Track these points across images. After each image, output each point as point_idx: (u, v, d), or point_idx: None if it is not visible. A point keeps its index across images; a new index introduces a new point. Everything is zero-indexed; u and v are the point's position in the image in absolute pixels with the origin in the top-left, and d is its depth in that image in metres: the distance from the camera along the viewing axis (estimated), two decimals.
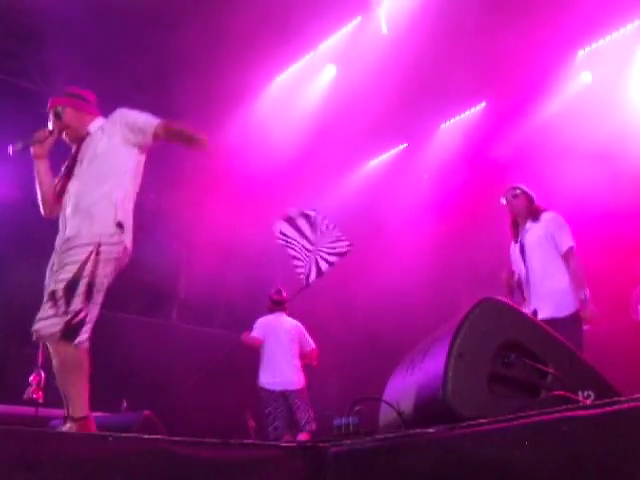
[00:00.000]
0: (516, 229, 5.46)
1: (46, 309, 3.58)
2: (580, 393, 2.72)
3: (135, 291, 9.50)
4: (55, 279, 3.60)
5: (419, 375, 3.06)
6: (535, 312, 5.01)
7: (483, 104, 9.48)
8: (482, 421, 2.25)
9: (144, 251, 9.47)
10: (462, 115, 9.75)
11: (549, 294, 5.07)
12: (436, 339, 3.06)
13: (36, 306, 8.07)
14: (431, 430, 2.40)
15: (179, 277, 10.38)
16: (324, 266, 8.33)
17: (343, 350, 9.00)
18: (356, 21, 8.65)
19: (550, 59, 8.23)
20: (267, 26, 7.88)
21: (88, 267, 3.60)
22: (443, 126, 10.00)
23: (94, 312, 3.65)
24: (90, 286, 3.59)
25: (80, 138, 4.12)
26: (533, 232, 5.29)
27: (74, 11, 7.41)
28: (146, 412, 6.33)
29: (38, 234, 8.36)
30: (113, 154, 4.00)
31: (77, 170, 3.98)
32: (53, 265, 3.75)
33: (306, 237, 8.62)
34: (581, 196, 7.14)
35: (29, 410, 6.62)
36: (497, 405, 2.64)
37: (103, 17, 7.80)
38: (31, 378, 6.75)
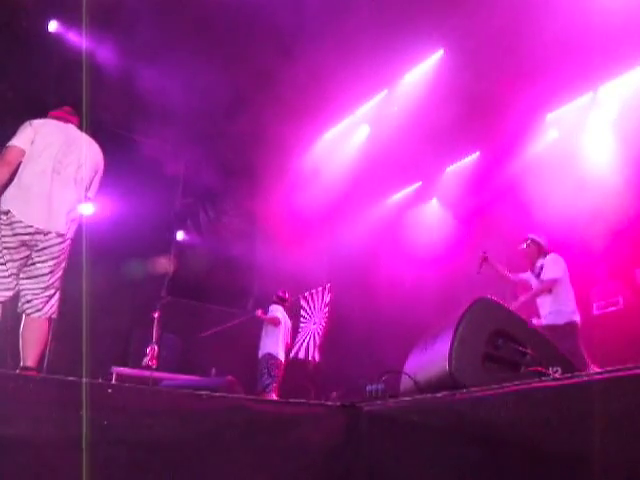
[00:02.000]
0: (532, 264, 5.66)
1: None
2: (550, 368, 2.68)
3: (222, 288, 9.61)
4: None
5: (431, 354, 3.04)
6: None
7: (477, 153, 9.38)
8: (476, 389, 2.23)
9: (230, 259, 9.71)
10: (463, 161, 9.66)
11: (550, 312, 5.31)
12: (443, 327, 3.04)
13: (151, 298, 8.16)
14: (439, 395, 2.39)
15: (254, 278, 10.47)
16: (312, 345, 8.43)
17: (373, 334, 8.97)
18: (383, 93, 8.68)
19: (526, 119, 8.14)
20: (318, 97, 8.00)
21: None
22: (449, 169, 9.91)
23: None
24: None
25: None
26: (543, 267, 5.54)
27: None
28: (229, 377, 6.35)
29: (141, 241, 8.61)
30: None
31: None
32: None
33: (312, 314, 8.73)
34: (559, 220, 7.11)
35: (146, 373, 6.69)
36: (489, 377, 2.61)
37: (201, 98, 8.04)
38: (148, 349, 6.83)
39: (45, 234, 3.41)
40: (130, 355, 7.79)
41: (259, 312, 7.52)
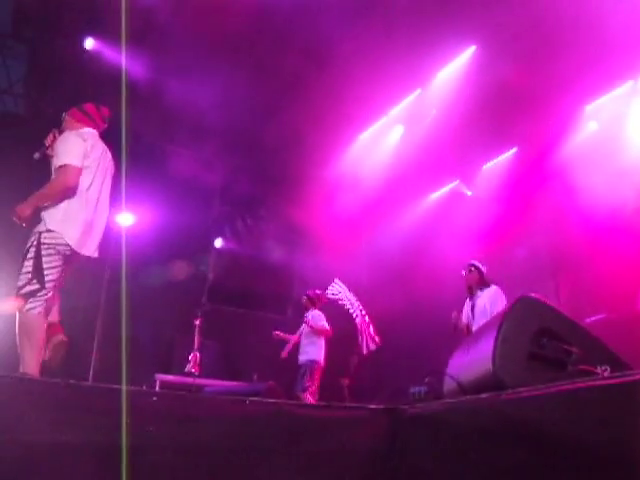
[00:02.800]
0: (470, 291, 5.60)
1: None
2: (598, 367, 2.61)
3: (261, 294, 9.68)
4: None
5: (474, 354, 2.99)
6: None
7: (515, 149, 9.22)
8: (522, 389, 2.18)
9: (269, 265, 9.78)
10: (499, 158, 9.51)
11: None
12: (486, 327, 2.99)
13: (192, 305, 8.23)
14: (483, 396, 2.35)
15: (293, 283, 10.51)
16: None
17: (415, 335, 8.90)
18: (417, 92, 8.63)
19: (564, 112, 7.96)
20: (351, 100, 8.01)
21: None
22: (485, 166, 9.77)
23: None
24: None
25: None
26: (481, 299, 5.46)
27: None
28: (271, 382, 6.37)
29: (180, 250, 8.74)
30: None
31: None
32: None
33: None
34: (601, 215, 6.92)
35: (189, 380, 6.76)
36: (534, 377, 2.55)
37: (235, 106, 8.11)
38: (190, 357, 6.91)
39: (84, 256, 3.56)
40: (173, 362, 7.89)
41: (309, 321, 7.40)
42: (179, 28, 7.12)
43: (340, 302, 8.80)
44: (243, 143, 9.18)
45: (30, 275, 3.31)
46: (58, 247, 3.40)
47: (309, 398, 6.73)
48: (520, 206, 8.64)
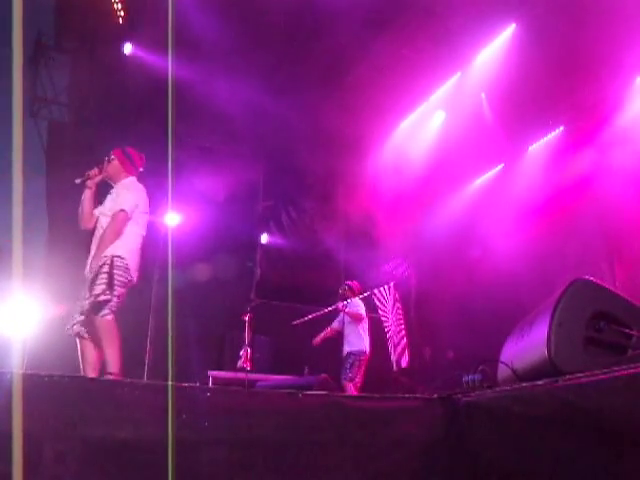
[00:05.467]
0: None
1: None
2: None
3: (309, 288, 9.69)
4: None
5: (528, 340, 2.93)
6: None
7: (561, 128, 8.95)
8: (580, 375, 2.13)
9: (316, 258, 9.80)
10: (545, 138, 9.25)
11: None
12: (539, 312, 2.92)
13: (241, 301, 8.29)
14: (539, 383, 2.31)
15: (340, 275, 10.47)
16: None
17: (466, 323, 8.78)
18: (456, 76, 8.47)
19: (613, 85, 7.65)
20: (392, 88, 7.93)
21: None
22: (531, 148, 9.52)
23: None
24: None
25: (113, 185, 4.20)
26: None
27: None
28: (323, 375, 6.39)
29: (227, 247, 8.83)
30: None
31: (101, 209, 4.13)
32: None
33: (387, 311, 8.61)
34: None
35: (241, 375, 6.83)
36: (591, 362, 2.48)
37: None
38: (241, 352, 6.97)
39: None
40: (224, 359, 7.99)
41: (341, 306, 7.40)
42: (214, 30, 7.18)
43: (380, 311, 8.76)
44: (283, 137, 9.20)
45: (105, 286, 3.78)
46: (125, 269, 3.93)
47: (352, 388, 6.67)
48: (571, 187, 8.38)
